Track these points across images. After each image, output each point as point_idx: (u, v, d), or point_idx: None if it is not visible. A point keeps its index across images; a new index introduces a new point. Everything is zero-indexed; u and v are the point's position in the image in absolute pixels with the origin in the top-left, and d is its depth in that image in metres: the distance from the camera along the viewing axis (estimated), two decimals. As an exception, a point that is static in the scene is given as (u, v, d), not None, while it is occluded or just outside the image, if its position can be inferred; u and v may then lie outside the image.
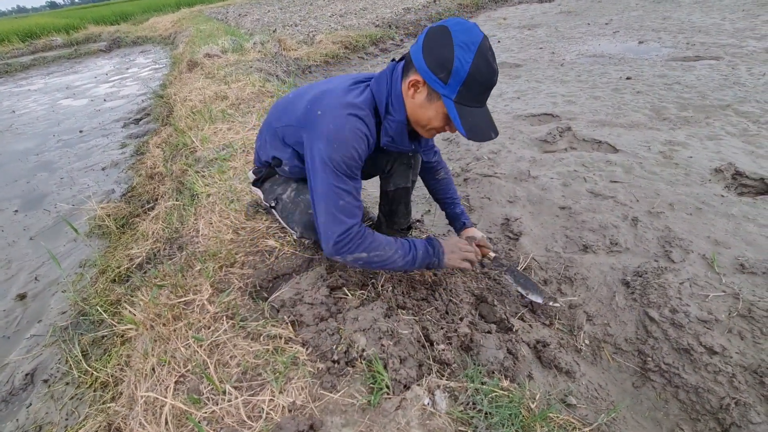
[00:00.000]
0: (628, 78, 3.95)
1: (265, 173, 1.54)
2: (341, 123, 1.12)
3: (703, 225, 1.87)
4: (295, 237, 1.49)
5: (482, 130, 1.08)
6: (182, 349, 1.09)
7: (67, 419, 1.64)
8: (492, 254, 1.60)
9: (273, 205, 1.52)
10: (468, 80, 1.02)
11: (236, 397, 0.95)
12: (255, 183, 1.61)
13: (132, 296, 1.59)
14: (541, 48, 5.66)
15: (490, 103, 3.85)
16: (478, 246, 1.52)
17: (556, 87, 4.01)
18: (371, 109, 1.18)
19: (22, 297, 2.33)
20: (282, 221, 1.51)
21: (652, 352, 1.37)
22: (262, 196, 1.57)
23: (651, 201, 2.09)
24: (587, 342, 1.51)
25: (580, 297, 1.66)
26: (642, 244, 1.81)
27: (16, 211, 3.23)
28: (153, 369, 1.07)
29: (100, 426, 1.44)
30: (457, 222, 1.72)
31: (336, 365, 1.05)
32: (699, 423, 1.20)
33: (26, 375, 1.85)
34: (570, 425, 1.13)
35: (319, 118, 1.15)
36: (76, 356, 1.81)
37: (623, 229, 1.91)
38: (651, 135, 2.79)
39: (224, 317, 1.17)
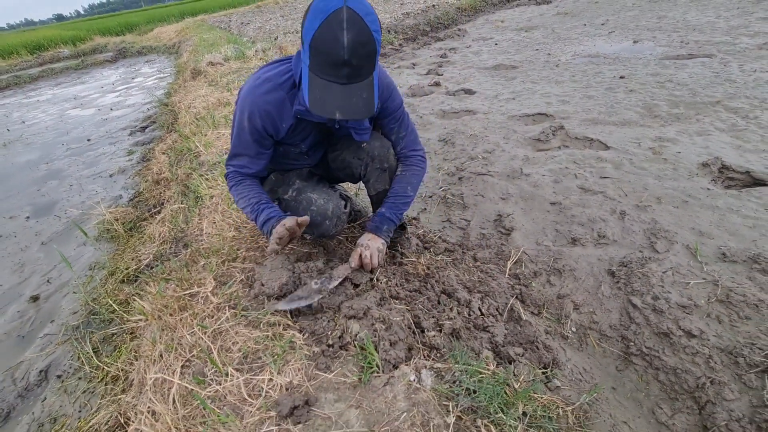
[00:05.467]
0: (621, 77, 4.01)
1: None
2: (249, 88, 1.30)
3: (689, 217, 1.93)
4: None
5: (327, 104, 1.05)
6: (188, 336, 1.17)
7: (80, 411, 1.72)
8: (351, 266, 1.43)
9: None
10: (312, 47, 1.02)
11: (238, 378, 1.03)
12: None
13: (141, 292, 1.68)
14: (537, 50, 5.74)
15: (486, 103, 3.93)
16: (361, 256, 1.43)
17: (551, 87, 4.08)
18: (284, 80, 1.30)
19: (35, 299, 2.42)
20: None
21: (634, 337, 1.43)
22: None
23: (639, 195, 2.15)
24: (574, 329, 1.58)
25: (568, 287, 1.72)
26: (629, 237, 1.87)
27: (28, 217, 3.35)
28: (161, 355, 1.16)
29: (111, 416, 1.53)
30: (372, 221, 1.55)
31: (330, 349, 1.12)
32: (677, 402, 1.26)
33: (40, 372, 1.93)
34: (553, 404, 1.20)
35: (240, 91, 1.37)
36: (88, 353, 1.89)
37: (611, 223, 1.97)
38: (642, 132, 2.86)
39: (227, 307, 1.25)
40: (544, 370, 1.35)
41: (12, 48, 15.10)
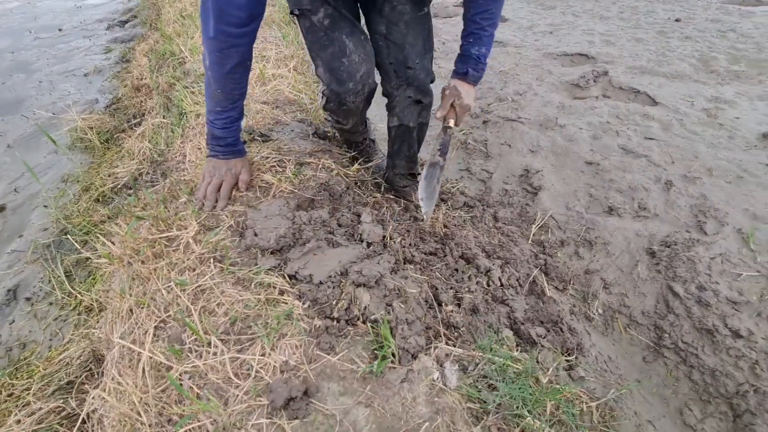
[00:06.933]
0: (677, 20, 3.50)
1: None
2: None
3: (743, 196, 1.71)
4: (312, 71, 1.25)
5: None
6: (163, 291, 0.97)
7: (51, 339, 1.59)
8: (451, 124, 1.30)
9: (297, 14, 1.21)
10: None
11: (223, 352, 0.85)
12: None
13: (113, 223, 1.45)
14: (581, -25, 4.98)
15: (519, 34, 3.44)
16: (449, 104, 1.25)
17: (595, 23, 3.56)
18: None
19: (1, 209, 2.19)
20: (305, 42, 1.25)
21: (670, 329, 1.28)
22: None
23: (688, 164, 1.89)
24: (600, 311, 1.42)
25: (598, 262, 1.54)
26: (673, 212, 1.66)
27: (-9, 114, 2.97)
28: (131, 311, 0.96)
29: (84, 351, 1.39)
30: (457, 64, 1.26)
31: (335, 324, 0.94)
32: (709, 405, 1.15)
33: (8, 291, 1.78)
34: (577, 398, 1.07)
35: None
36: (59, 277, 1.72)
37: (654, 193, 1.74)
38: (696, 89, 2.51)
39: (211, 259, 1.04)
40: (568, 358, 1.20)
41: None
